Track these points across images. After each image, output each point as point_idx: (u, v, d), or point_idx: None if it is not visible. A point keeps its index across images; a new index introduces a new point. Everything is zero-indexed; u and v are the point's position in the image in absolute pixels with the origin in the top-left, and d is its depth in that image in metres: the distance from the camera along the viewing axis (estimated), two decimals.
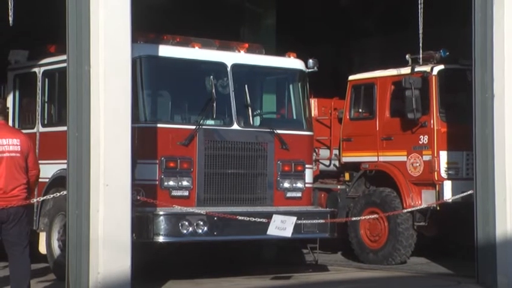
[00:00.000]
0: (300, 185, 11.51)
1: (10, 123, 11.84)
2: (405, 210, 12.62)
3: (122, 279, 8.88)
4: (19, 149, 8.43)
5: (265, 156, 11.30)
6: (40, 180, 11.09)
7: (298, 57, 11.90)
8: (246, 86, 11.29)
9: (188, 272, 11.43)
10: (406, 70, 12.97)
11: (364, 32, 18.17)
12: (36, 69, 11.69)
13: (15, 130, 9.07)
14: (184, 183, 10.78)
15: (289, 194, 11.44)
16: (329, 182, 14.08)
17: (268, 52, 12.34)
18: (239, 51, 11.64)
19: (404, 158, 12.95)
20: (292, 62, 11.88)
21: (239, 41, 12.70)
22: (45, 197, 10.41)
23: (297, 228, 10.60)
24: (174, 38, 11.32)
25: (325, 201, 13.65)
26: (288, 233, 10.38)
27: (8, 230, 8.35)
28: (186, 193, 10.80)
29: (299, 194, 11.53)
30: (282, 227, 10.39)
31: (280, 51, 12.40)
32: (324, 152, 14.23)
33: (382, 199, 13.07)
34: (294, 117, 12.07)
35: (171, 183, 10.71)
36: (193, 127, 10.90)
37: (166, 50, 10.97)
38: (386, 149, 13.21)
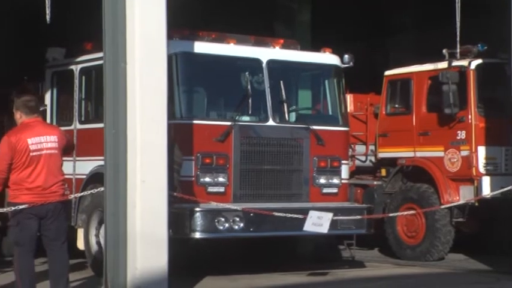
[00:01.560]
0: (336, 181, 11.47)
1: (48, 120, 11.95)
2: (443, 206, 12.51)
3: (159, 275, 8.91)
4: (57, 146, 8.50)
5: (301, 152, 11.27)
6: (77, 176, 11.34)
7: (334, 52, 11.85)
8: (281, 81, 11.26)
9: (224, 268, 11.44)
10: (443, 65, 12.86)
11: (400, 27, 18.05)
12: (73, 67, 11.78)
13: (52, 126, 9.15)
14: (220, 179, 10.80)
15: (325, 190, 11.41)
16: (365, 177, 14.01)
17: (304, 48, 12.30)
18: (274, 47, 11.62)
19: (441, 154, 12.85)
20: (327, 58, 11.83)
21: (274, 37, 12.67)
22: (82, 193, 10.47)
23: (333, 224, 10.55)
24: (210, 34, 11.33)
25: (361, 197, 13.56)
26: (324, 229, 10.34)
27: (46, 226, 8.43)
28: (222, 189, 10.81)
29: (335, 190, 11.49)
30: (318, 223, 10.34)
31: (316, 47, 12.35)
32: (360, 148, 14.16)
33: (420, 195, 12.98)
34: (330, 112, 12.02)
35: (207, 179, 10.72)
36: (229, 123, 10.90)
37: (201, 47, 10.98)
38: (423, 145, 13.11)
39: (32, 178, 8.34)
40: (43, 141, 8.41)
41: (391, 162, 13.61)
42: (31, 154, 8.31)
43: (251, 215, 10.52)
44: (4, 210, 8.62)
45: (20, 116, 8.57)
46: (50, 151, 8.43)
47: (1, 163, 8.32)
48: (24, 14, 15.11)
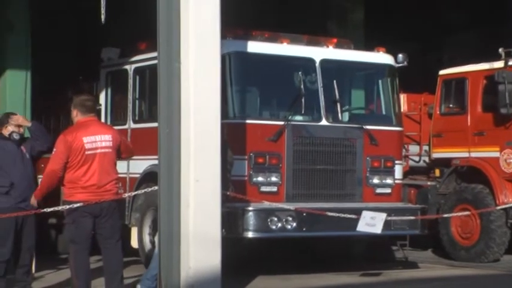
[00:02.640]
0: (389, 181, 11.39)
1: (102, 119, 12.08)
2: (499, 207, 12.34)
3: (212, 274, 8.93)
4: (111, 145, 8.59)
5: (354, 152, 11.22)
6: (131, 175, 11.44)
7: (388, 52, 11.76)
8: (334, 81, 11.22)
9: (277, 268, 11.44)
10: (499, 64, 12.68)
11: (455, 26, 17.84)
12: (127, 67, 11.88)
13: (107, 126, 9.24)
14: (273, 178, 10.80)
15: (378, 190, 11.34)
16: (419, 178, 13.89)
17: (357, 47, 12.23)
18: (327, 47, 11.58)
19: (497, 154, 12.67)
20: (381, 57, 11.75)
21: (327, 36, 12.62)
22: (136, 192, 10.56)
23: (386, 224, 10.48)
24: (263, 33, 11.33)
25: (414, 197, 13.45)
26: (377, 229, 10.27)
27: (101, 224, 8.52)
28: (274, 189, 10.81)
29: (388, 190, 11.41)
30: (371, 223, 10.28)
31: (369, 46, 12.27)
32: (413, 148, 14.04)
33: (474, 196, 12.82)
34: (383, 112, 11.94)
35: (260, 178, 10.73)
36: (282, 123, 10.89)
37: (255, 46, 10.99)
38: (478, 145, 12.94)
39: (87, 177, 8.44)
40: (98, 140, 8.50)
41: (445, 162, 13.47)
42: (86, 153, 8.41)
43: (304, 214, 10.50)
44: (59, 208, 8.73)
45: (76, 114, 8.68)
46: (104, 150, 8.52)
47: (57, 161, 8.44)
48: (80, 14, 15.29)
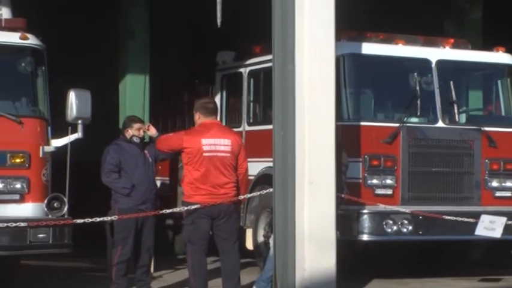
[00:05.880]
0: (509, 184, 11.08)
1: None
2: None
3: (327, 276, 8.91)
4: (230, 149, 8.69)
5: (471, 154, 10.97)
6: None
7: (507, 51, 11.45)
8: (451, 82, 11.02)
9: (392, 271, 11.30)
10: None
11: None
12: (242, 70, 11.99)
13: (227, 130, 9.26)
14: (388, 181, 10.68)
15: (498, 194, 11.05)
16: None
17: (475, 47, 11.96)
18: (444, 47, 11.38)
19: None
20: (500, 57, 11.45)
21: (444, 36, 12.40)
22: (251, 195, 10.63)
23: (507, 229, 10.18)
24: (377, 35, 11.22)
25: None
26: (497, 233, 10.00)
27: (218, 226, 8.63)
28: (389, 191, 10.69)
29: (509, 194, 11.10)
30: (490, 227, 10.02)
31: (487, 46, 11.98)
32: None
33: None
34: (503, 113, 11.63)
35: (375, 181, 10.63)
36: (397, 125, 10.76)
37: (369, 48, 10.90)
38: None
39: (204, 179, 8.57)
40: (217, 143, 8.62)
41: None
42: (204, 155, 8.54)
43: (420, 218, 10.34)
44: (178, 209, 8.90)
45: (198, 117, 8.84)
46: (223, 154, 8.63)
47: (171, 143, 8.67)
48: (195, 18, 15.54)
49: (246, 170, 8.93)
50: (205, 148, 8.57)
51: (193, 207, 8.51)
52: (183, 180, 8.71)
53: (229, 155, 8.67)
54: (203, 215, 8.53)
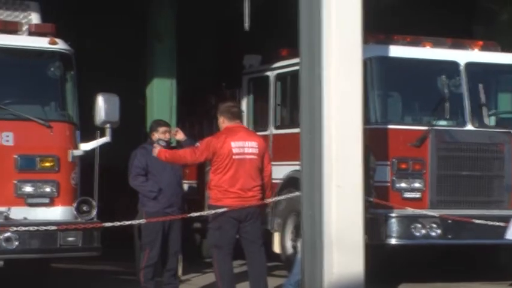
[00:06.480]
0: None
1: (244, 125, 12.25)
2: None
3: (356, 280, 8.87)
4: (256, 151, 8.70)
5: (501, 158, 10.87)
6: (273, 181, 11.49)
7: None
8: (480, 84, 10.94)
9: (421, 275, 11.23)
10: None
11: None
12: (269, 73, 11.99)
13: (252, 133, 9.34)
14: (416, 185, 10.61)
15: None
16: None
17: (505, 49, 11.86)
18: (473, 49, 11.30)
19: None
20: None
21: (472, 39, 12.31)
22: (278, 198, 10.63)
23: None
24: (405, 38, 11.18)
25: None
26: None
27: (245, 229, 8.63)
28: (418, 195, 10.63)
29: None
30: None
31: None
32: None
33: None
34: None
35: (403, 184, 10.57)
36: (425, 128, 10.70)
37: (396, 51, 10.86)
38: None
39: (233, 182, 8.57)
40: (245, 146, 8.64)
41: None
42: (233, 157, 8.56)
43: (449, 221, 10.27)
44: (205, 213, 8.91)
45: (223, 121, 8.85)
46: (250, 156, 8.64)
47: (193, 155, 8.65)
48: (223, 21, 15.57)
49: (271, 173, 8.94)
50: (234, 151, 8.59)
51: (220, 210, 8.51)
52: (209, 183, 8.71)
53: (256, 157, 8.69)
54: (231, 218, 8.54)
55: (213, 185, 8.64)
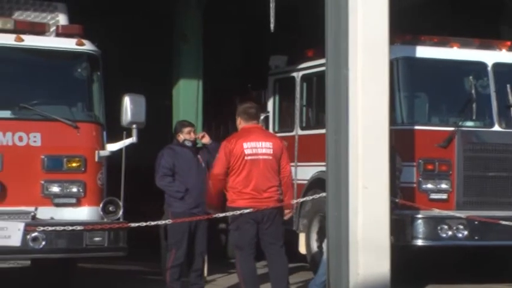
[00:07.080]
0: None
1: (270, 126, 12.26)
2: None
3: (381, 281, 8.85)
4: (271, 152, 8.68)
5: None
6: (299, 182, 11.51)
7: None
8: (507, 85, 10.86)
9: (447, 277, 11.18)
10: None
11: None
12: (294, 74, 11.99)
13: (270, 134, 9.41)
14: (443, 186, 10.56)
15: None
16: None
17: None
18: (500, 50, 11.23)
19: None
20: None
21: (500, 39, 12.23)
22: (304, 199, 10.63)
23: None
24: (431, 38, 11.13)
25: None
26: None
27: (263, 230, 8.63)
28: (444, 196, 10.58)
29: None
30: None
31: None
32: None
33: None
34: None
35: (429, 185, 10.52)
36: (452, 129, 10.65)
37: (423, 51, 10.82)
38: None
39: (247, 183, 8.57)
40: (258, 146, 8.63)
41: None
42: (246, 158, 8.55)
43: (476, 223, 10.21)
44: (223, 214, 8.91)
45: (239, 122, 8.87)
46: (265, 157, 8.62)
47: (219, 166, 8.65)
48: (248, 22, 15.58)
49: (290, 173, 8.89)
50: (247, 152, 8.58)
51: (238, 212, 8.52)
52: (226, 185, 8.72)
53: (271, 157, 8.66)
54: (248, 219, 8.54)
55: (229, 187, 8.65)
